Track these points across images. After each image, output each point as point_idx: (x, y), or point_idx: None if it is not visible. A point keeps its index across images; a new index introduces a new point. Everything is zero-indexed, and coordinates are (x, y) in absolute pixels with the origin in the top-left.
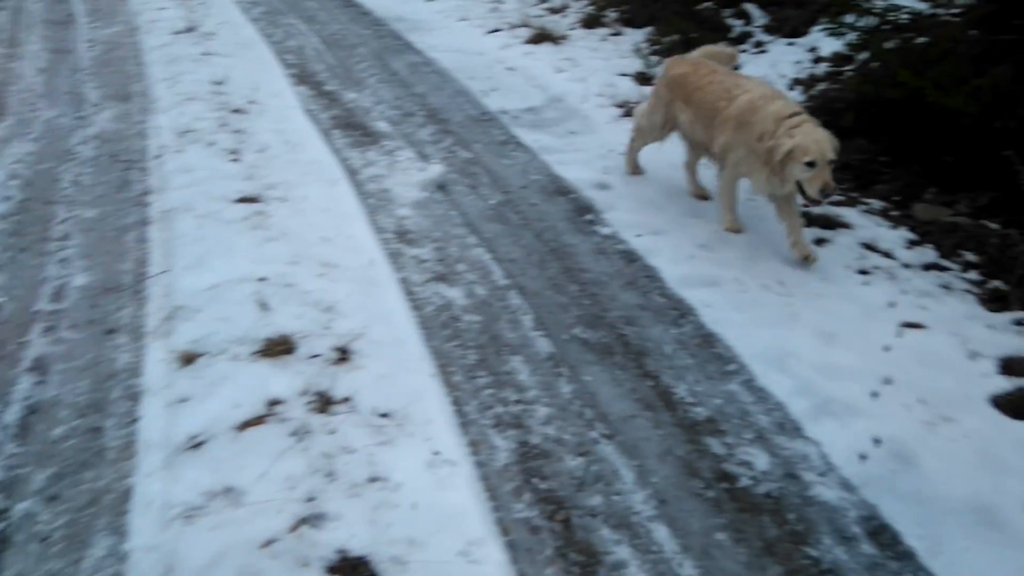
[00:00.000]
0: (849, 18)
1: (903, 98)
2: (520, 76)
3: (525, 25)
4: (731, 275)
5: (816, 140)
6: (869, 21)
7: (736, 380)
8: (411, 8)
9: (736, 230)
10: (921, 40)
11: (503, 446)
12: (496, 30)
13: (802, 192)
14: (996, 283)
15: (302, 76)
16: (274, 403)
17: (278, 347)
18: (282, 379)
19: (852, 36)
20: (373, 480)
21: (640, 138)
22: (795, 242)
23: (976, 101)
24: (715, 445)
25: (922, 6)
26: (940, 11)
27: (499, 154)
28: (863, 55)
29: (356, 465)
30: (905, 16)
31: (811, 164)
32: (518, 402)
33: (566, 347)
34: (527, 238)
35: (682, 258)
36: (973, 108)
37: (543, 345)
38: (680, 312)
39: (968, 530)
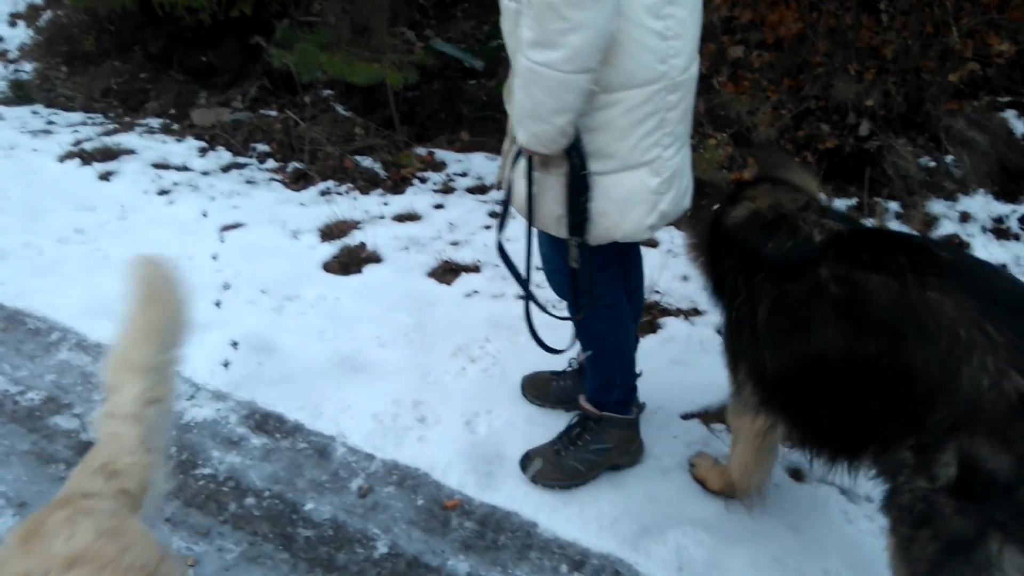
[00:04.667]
0: None
1: (134, 7)
2: None
3: None
4: (20, 240)
5: None
6: None
7: (64, 348)
8: None
9: None
10: None
11: None
12: None
13: None
14: (294, 164)
15: None
16: None
17: None
18: None
19: None
20: None
21: None
22: None
23: None
24: (64, 422)
25: None
26: None
27: None
28: None
29: None
30: None
31: None
32: None
33: None
34: None
35: None
36: (203, 2)
37: None
38: None
39: (337, 382)
